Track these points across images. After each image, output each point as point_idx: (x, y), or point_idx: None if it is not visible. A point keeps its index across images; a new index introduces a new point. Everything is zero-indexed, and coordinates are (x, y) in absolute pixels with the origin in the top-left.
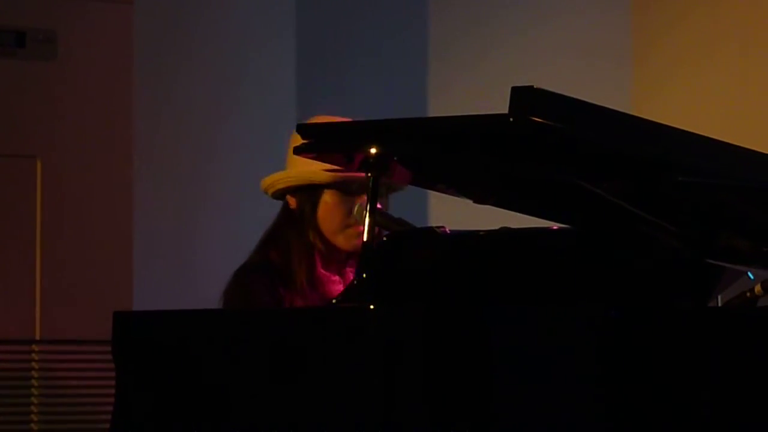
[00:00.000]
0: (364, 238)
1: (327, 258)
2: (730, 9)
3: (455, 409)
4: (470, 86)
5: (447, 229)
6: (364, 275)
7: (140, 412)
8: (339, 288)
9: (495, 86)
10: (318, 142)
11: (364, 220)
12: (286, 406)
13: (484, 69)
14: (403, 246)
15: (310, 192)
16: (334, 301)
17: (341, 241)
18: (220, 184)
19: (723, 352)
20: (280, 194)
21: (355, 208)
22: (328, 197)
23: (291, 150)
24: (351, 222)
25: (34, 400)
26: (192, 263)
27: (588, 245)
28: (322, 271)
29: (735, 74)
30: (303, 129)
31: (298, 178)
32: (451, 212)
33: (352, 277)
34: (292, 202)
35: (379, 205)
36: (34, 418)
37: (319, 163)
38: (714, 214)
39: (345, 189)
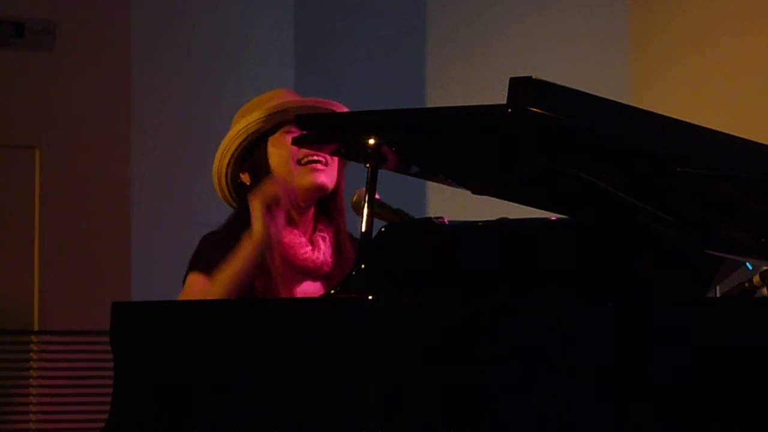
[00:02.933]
0: (363, 229)
1: (292, 216)
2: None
3: (455, 400)
4: (468, 77)
5: (445, 220)
6: (363, 266)
7: (138, 403)
8: (307, 250)
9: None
10: (316, 133)
11: (363, 211)
12: (284, 396)
13: (482, 60)
14: (401, 237)
15: (254, 152)
16: (332, 291)
17: (298, 180)
18: None
19: (721, 342)
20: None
21: (354, 198)
22: (271, 146)
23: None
24: (300, 158)
25: (32, 390)
26: (190, 254)
27: (587, 236)
28: (291, 230)
29: (732, 65)
30: (301, 120)
31: (238, 135)
32: (450, 203)
33: (321, 243)
34: (246, 179)
35: (377, 196)
36: (33, 408)
37: (247, 117)
38: (713, 204)
39: (281, 125)
